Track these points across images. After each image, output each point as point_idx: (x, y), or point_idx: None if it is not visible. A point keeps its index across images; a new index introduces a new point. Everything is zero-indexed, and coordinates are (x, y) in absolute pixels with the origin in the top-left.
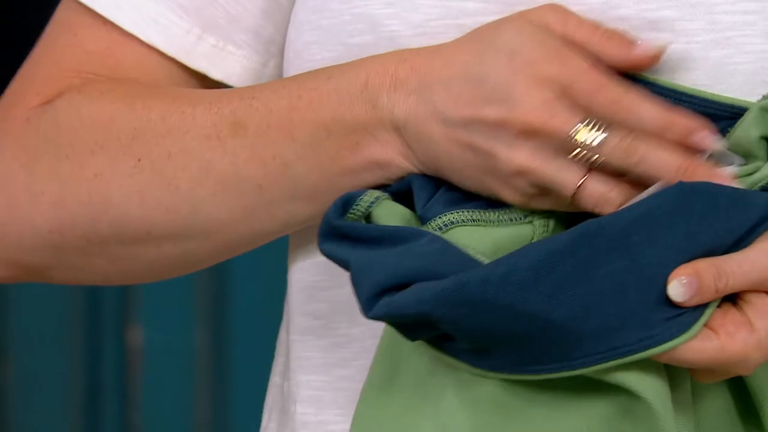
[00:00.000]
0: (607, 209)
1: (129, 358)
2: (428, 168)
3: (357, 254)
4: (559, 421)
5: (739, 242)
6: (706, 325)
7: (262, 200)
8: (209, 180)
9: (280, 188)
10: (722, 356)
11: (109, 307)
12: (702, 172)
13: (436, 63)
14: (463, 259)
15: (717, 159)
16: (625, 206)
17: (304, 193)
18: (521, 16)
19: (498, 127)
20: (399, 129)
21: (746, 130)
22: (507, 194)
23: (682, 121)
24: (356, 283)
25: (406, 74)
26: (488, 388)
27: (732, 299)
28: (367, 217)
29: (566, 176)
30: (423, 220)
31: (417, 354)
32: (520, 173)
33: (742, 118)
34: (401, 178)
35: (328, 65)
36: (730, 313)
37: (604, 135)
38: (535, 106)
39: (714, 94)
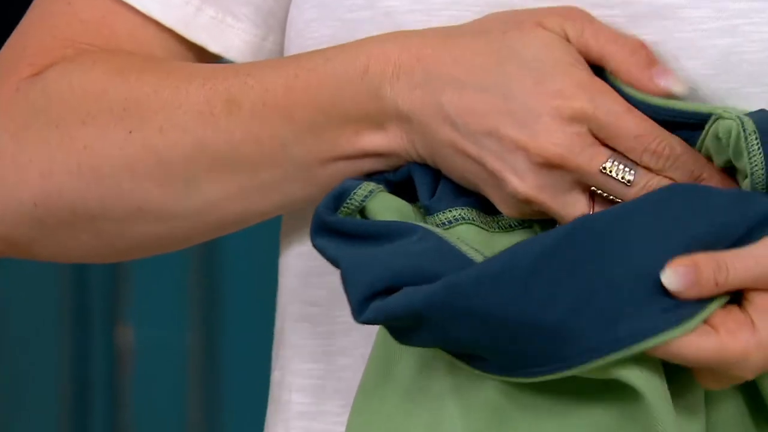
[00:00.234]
0: None
1: (118, 357)
2: (429, 161)
3: (347, 253)
4: (557, 428)
5: (743, 239)
6: (706, 322)
7: (256, 180)
8: (203, 157)
9: (275, 169)
10: (722, 355)
11: (97, 304)
12: None
13: (445, 58)
14: (456, 258)
15: None
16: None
17: (301, 175)
18: (540, 23)
19: (514, 150)
20: (402, 121)
21: (712, 154)
22: (502, 208)
23: (714, 179)
24: (347, 285)
25: (411, 64)
26: (485, 393)
27: (738, 302)
28: (362, 211)
29: (573, 210)
30: (430, 210)
31: (411, 356)
32: (525, 201)
33: (699, 141)
34: (400, 166)
35: (326, 42)
36: (733, 312)
37: (632, 174)
38: (561, 140)
39: (677, 102)
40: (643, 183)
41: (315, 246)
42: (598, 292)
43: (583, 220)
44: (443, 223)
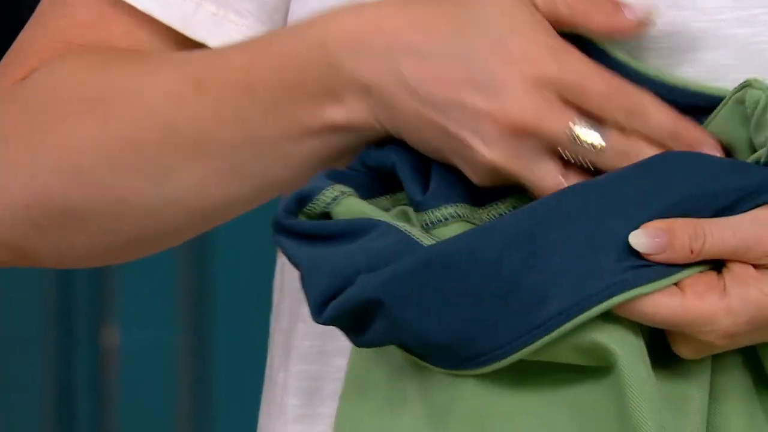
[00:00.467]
0: None
1: (104, 358)
2: (394, 133)
3: (307, 254)
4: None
5: (729, 208)
6: (677, 284)
7: (229, 163)
8: (175, 142)
9: (245, 150)
10: (685, 315)
11: (82, 304)
12: None
13: (404, 26)
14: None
15: None
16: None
17: (272, 155)
18: None
19: (481, 119)
20: (363, 93)
21: (723, 125)
22: (473, 177)
23: (690, 133)
24: (306, 287)
25: (369, 35)
26: (460, 400)
27: (719, 271)
28: (328, 216)
29: (545, 177)
30: (421, 207)
31: (388, 362)
32: (495, 170)
33: (716, 110)
34: (372, 142)
35: None
36: (706, 276)
37: (603, 139)
38: (528, 106)
39: (695, 83)
40: (617, 147)
41: (277, 245)
42: (566, 257)
43: (562, 191)
44: (436, 221)
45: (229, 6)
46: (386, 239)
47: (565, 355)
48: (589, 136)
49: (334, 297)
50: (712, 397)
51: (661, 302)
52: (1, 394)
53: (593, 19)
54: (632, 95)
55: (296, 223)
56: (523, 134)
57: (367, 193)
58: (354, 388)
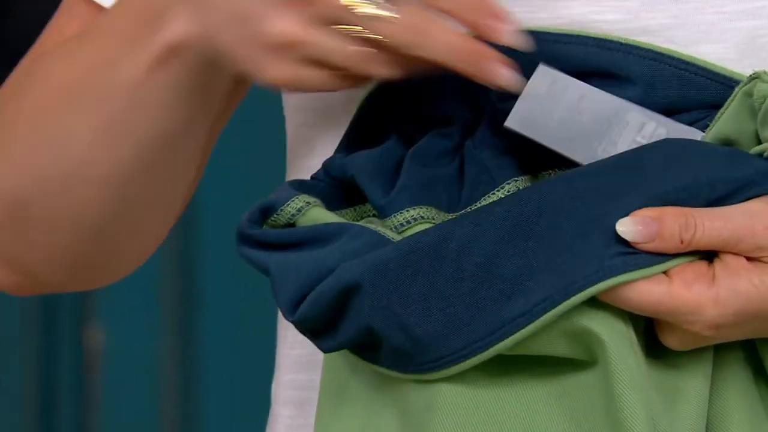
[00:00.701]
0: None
1: (87, 360)
2: (215, 47)
3: (276, 259)
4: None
5: (724, 198)
6: (665, 273)
7: (105, 115)
8: (68, 98)
9: (117, 97)
10: (670, 303)
11: (65, 304)
12: (493, 56)
13: None
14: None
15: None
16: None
17: (140, 99)
18: None
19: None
20: (184, 6)
21: (732, 118)
22: (274, 70)
23: (485, 10)
24: (276, 288)
25: None
26: (437, 407)
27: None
28: (292, 227)
29: (336, 45)
30: (385, 211)
31: (364, 366)
32: (288, 45)
33: (726, 104)
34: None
35: None
36: (695, 264)
37: (389, 11)
38: None
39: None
40: (403, 23)
41: (241, 254)
42: (553, 244)
43: (551, 179)
44: (401, 224)
45: None
46: (361, 239)
47: (553, 344)
48: (371, 8)
49: (305, 296)
50: (713, 392)
51: (646, 289)
52: None
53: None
54: None
55: (261, 232)
56: (305, 1)
57: (333, 204)
58: (330, 402)
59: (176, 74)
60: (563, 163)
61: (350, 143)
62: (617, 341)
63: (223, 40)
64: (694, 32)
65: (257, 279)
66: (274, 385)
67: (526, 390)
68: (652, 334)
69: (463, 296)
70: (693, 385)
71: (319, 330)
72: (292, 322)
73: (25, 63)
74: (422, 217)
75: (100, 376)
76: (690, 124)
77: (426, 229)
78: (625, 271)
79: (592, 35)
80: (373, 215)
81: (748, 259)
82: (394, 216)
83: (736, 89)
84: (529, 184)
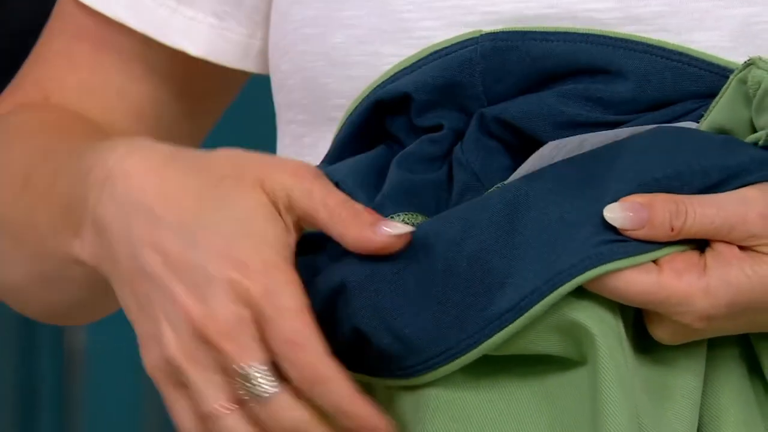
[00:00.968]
0: None
1: (68, 361)
2: (109, 279)
3: None
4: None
5: (716, 186)
6: (654, 261)
7: (38, 269)
8: (7, 232)
9: (46, 261)
10: (659, 293)
11: None
12: None
13: (150, 185)
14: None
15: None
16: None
17: (63, 271)
18: (262, 182)
19: (178, 307)
20: (97, 232)
21: (726, 106)
22: (143, 354)
23: (364, 422)
24: None
25: (118, 178)
26: (426, 407)
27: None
28: None
29: (209, 392)
30: None
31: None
32: (169, 361)
33: (721, 92)
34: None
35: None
36: (686, 254)
37: (274, 390)
38: (221, 316)
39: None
40: (278, 405)
41: None
42: (540, 235)
43: (542, 168)
44: None
45: (207, 9)
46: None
47: (542, 340)
48: (259, 383)
49: None
50: (707, 389)
51: (634, 278)
52: None
53: (348, 229)
54: (316, 361)
55: None
56: (204, 340)
57: None
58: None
59: (95, 277)
60: None
61: (341, 155)
62: (607, 335)
63: (122, 299)
64: (688, 20)
65: None
66: None
67: (513, 391)
68: (641, 327)
69: (452, 292)
70: (685, 380)
71: None
72: None
73: (7, 100)
74: (409, 224)
75: (81, 377)
76: (684, 114)
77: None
78: (612, 260)
79: (580, 30)
80: None
81: (741, 248)
82: None
83: (731, 77)
84: None
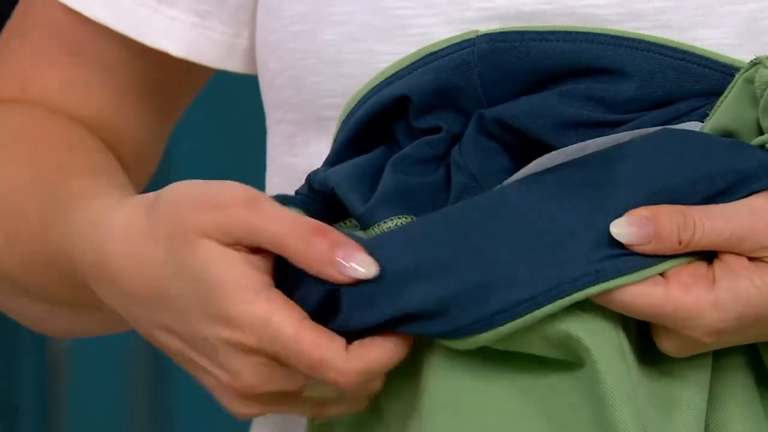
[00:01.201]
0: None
1: (50, 361)
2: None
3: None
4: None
5: (723, 192)
6: (661, 274)
7: (52, 307)
8: (26, 273)
9: (55, 306)
10: (667, 307)
11: None
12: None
13: (127, 270)
14: None
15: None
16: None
17: (82, 312)
18: (205, 232)
19: (212, 379)
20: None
21: (732, 106)
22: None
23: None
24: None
25: (103, 265)
26: (426, 393)
27: (710, 261)
28: None
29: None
30: (365, 221)
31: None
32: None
33: (726, 91)
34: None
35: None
36: (694, 266)
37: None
38: (249, 377)
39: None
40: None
41: None
42: (540, 242)
43: (543, 171)
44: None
45: (189, 9)
46: None
47: (535, 345)
48: (317, 388)
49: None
50: (713, 401)
51: (641, 291)
52: None
53: (306, 263)
54: (344, 368)
55: None
56: (254, 398)
57: (315, 218)
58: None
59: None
60: None
61: (341, 158)
62: (604, 348)
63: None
64: (691, 16)
65: None
66: None
67: (513, 391)
68: (645, 337)
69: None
70: (690, 392)
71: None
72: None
73: None
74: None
75: (64, 378)
76: (688, 112)
77: (402, 225)
78: (615, 276)
79: (580, 29)
80: (355, 228)
81: (750, 259)
82: (372, 228)
83: (737, 76)
84: None
